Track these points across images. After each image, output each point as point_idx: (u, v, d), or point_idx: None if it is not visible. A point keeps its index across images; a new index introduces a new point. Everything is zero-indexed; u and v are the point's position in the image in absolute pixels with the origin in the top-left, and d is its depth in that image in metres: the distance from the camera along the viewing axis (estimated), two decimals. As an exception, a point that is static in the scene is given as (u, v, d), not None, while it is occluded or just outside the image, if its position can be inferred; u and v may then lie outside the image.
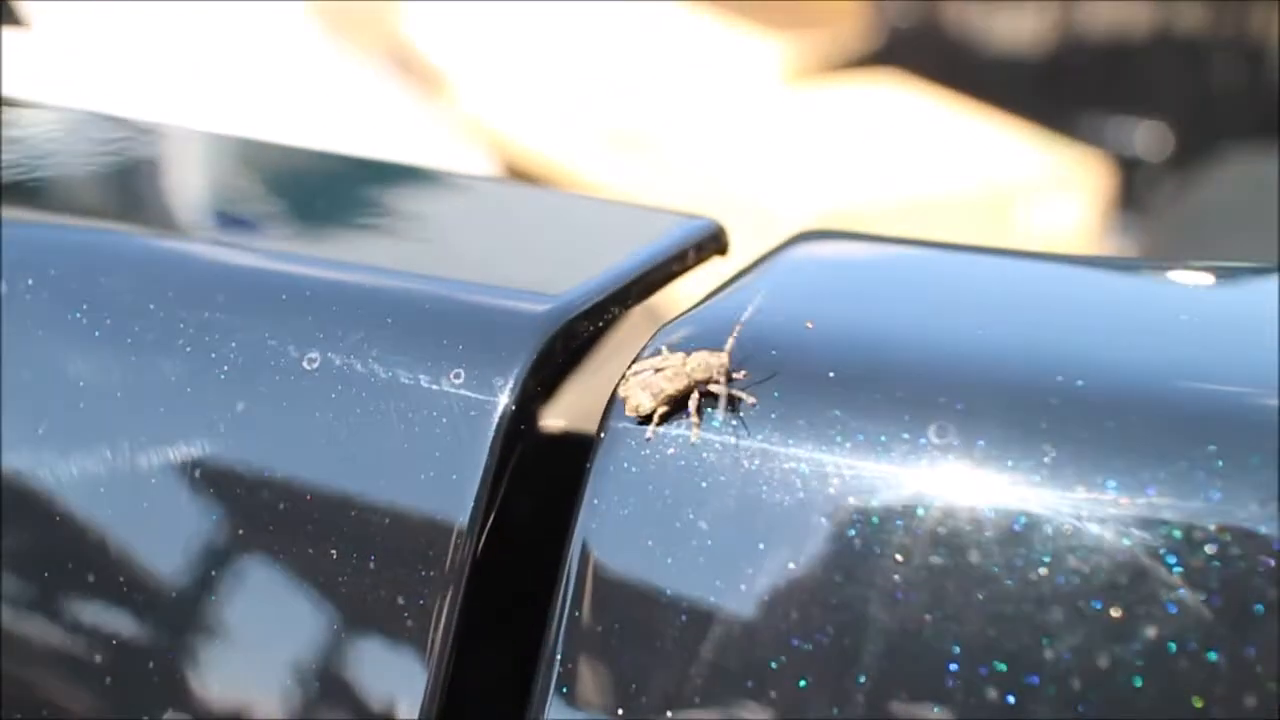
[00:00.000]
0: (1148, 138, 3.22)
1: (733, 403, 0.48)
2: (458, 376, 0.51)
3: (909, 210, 2.47)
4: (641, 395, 0.50)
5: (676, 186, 2.63)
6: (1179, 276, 0.59)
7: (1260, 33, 3.25)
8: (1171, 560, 0.43)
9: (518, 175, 3.00)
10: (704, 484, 0.48)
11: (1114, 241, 2.81)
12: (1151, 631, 0.43)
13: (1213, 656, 0.43)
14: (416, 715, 0.51)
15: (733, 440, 0.48)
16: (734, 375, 0.49)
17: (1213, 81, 3.28)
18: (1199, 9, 3.27)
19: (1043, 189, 2.67)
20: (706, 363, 0.50)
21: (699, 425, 0.49)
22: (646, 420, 0.49)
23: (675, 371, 0.50)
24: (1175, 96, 3.26)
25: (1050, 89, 3.30)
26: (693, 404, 0.49)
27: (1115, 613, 0.43)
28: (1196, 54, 3.29)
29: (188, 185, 0.70)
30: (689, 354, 0.51)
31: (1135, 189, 3.04)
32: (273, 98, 2.71)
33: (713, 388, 0.49)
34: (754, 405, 0.48)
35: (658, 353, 0.51)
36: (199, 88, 2.62)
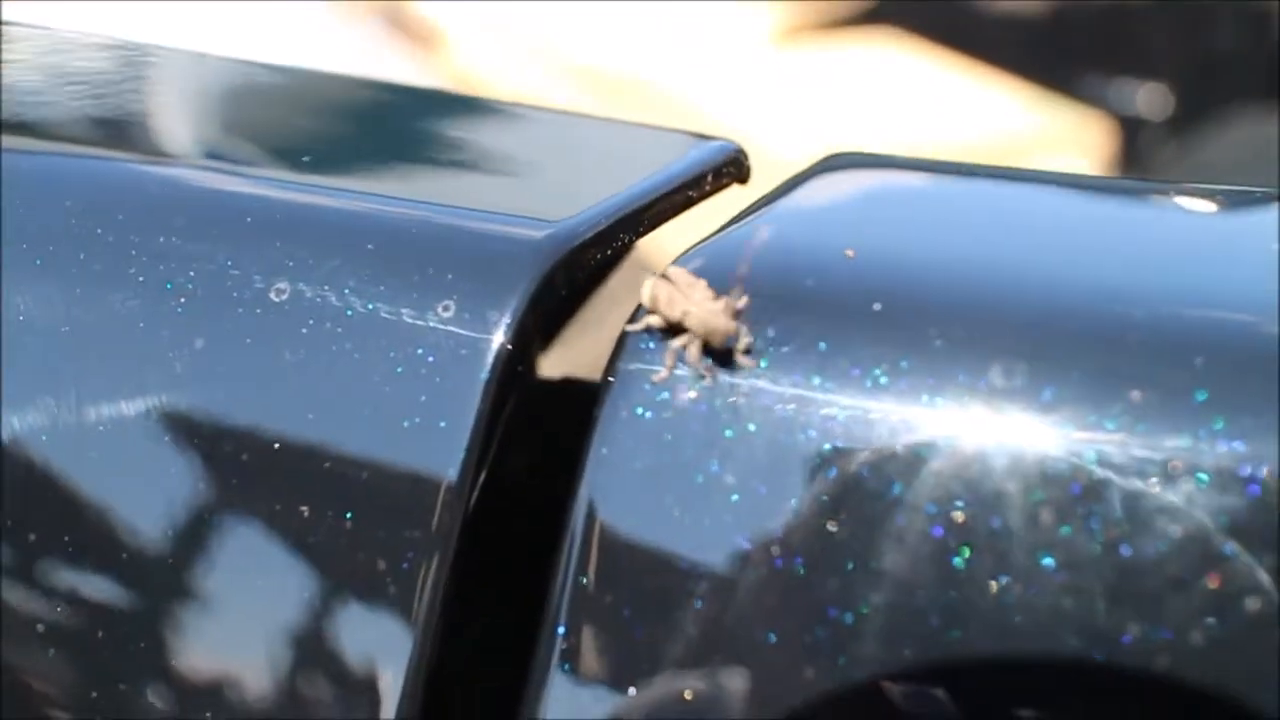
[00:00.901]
0: (1149, 98, 3.17)
1: (717, 357, 0.42)
2: (446, 309, 0.44)
3: (907, 170, 2.41)
4: (665, 300, 0.43)
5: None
6: (1249, 203, 0.53)
7: (1264, -8, 3.20)
8: (1271, 523, 0.38)
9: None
10: (729, 432, 0.41)
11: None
12: (1252, 605, 0.37)
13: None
14: (400, 687, 0.44)
15: (764, 384, 0.42)
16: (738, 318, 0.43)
17: (1214, 43, 3.24)
18: (1202, -32, 3.22)
19: (1043, 149, 2.64)
20: (708, 325, 0.43)
21: (704, 371, 0.42)
22: (660, 331, 0.43)
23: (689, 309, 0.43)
24: (1177, 57, 3.22)
25: (1050, 48, 3.25)
26: (694, 349, 0.43)
27: (1209, 584, 0.38)
28: (1198, 15, 3.24)
29: (150, 102, 0.63)
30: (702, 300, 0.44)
31: (1136, 150, 2.99)
32: (264, 54, 2.65)
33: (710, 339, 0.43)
34: (750, 366, 0.42)
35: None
36: (186, 40, 2.56)
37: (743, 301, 0.43)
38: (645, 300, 0.45)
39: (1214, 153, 2.82)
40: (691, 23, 3.08)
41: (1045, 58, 3.17)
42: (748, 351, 0.43)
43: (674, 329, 0.44)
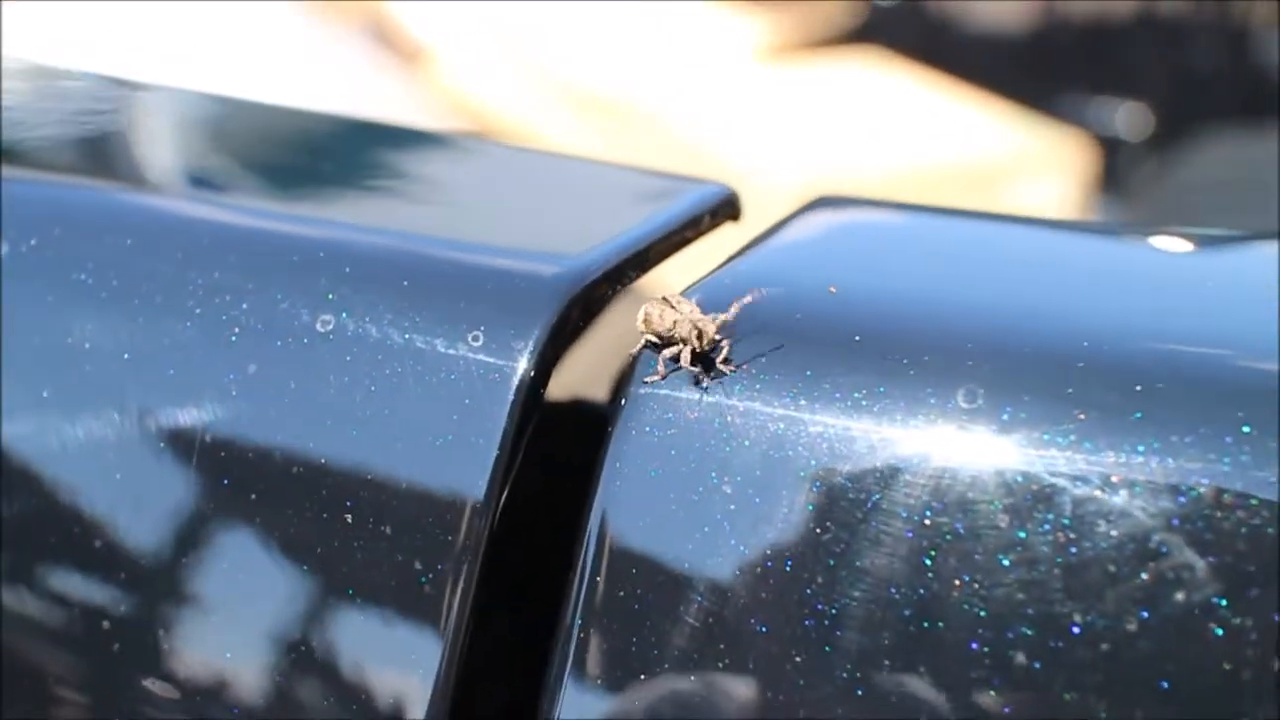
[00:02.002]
0: (1129, 118, 3.22)
1: (704, 364, 0.48)
2: (476, 339, 0.50)
3: (888, 189, 2.46)
4: (657, 317, 0.49)
5: (658, 160, 2.61)
6: (1191, 244, 0.59)
7: (1242, 14, 3.25)
8: (1199, 526, 0.43)
9: (499, 150, 2.98)
10: (729, 449, 0.47)
11: (1095, 220, 2.81)
12: (1180, 596, 0.43)
13: (1239, 621, 0.42)
14: (431, 685, 0.50)
15: (758, 405, 0.47)
16: (718, 340, 0.49)
17: (1194, 62, 3.29)
18: (1180, -10, 3.27)
19: (1024, 169, 2.67)
20: (697, 329, 0.49)
21: (697, 374, 0.48)
22: (657, 343, 0.49)
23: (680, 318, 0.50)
24: (1156, 77, 3.26)
25: (1032, 68, 3.30)
26: (685, 355, 0.49)
27: (1145, 578, 0.43)
28: (1178, 35, 3.29)
29: (194, 147, 0.69)
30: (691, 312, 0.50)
31: (1116, 169, 3.04)
32: (251, 72, 2.70)
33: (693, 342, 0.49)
34: (730, 371, 0.48)
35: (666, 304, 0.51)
36: (176, 60, 2.60)
37: (731, 313, 0.49)
38: (639, 323, 0.51)
39: (1193, 172, 2.87)
40: (676, 41, 3.12)
41: (1027, 78, 3.22)
42: (727, 360, 0.48)
43: (666, 341, 0.50)
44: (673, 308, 0.51)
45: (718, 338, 0.49)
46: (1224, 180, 2.74)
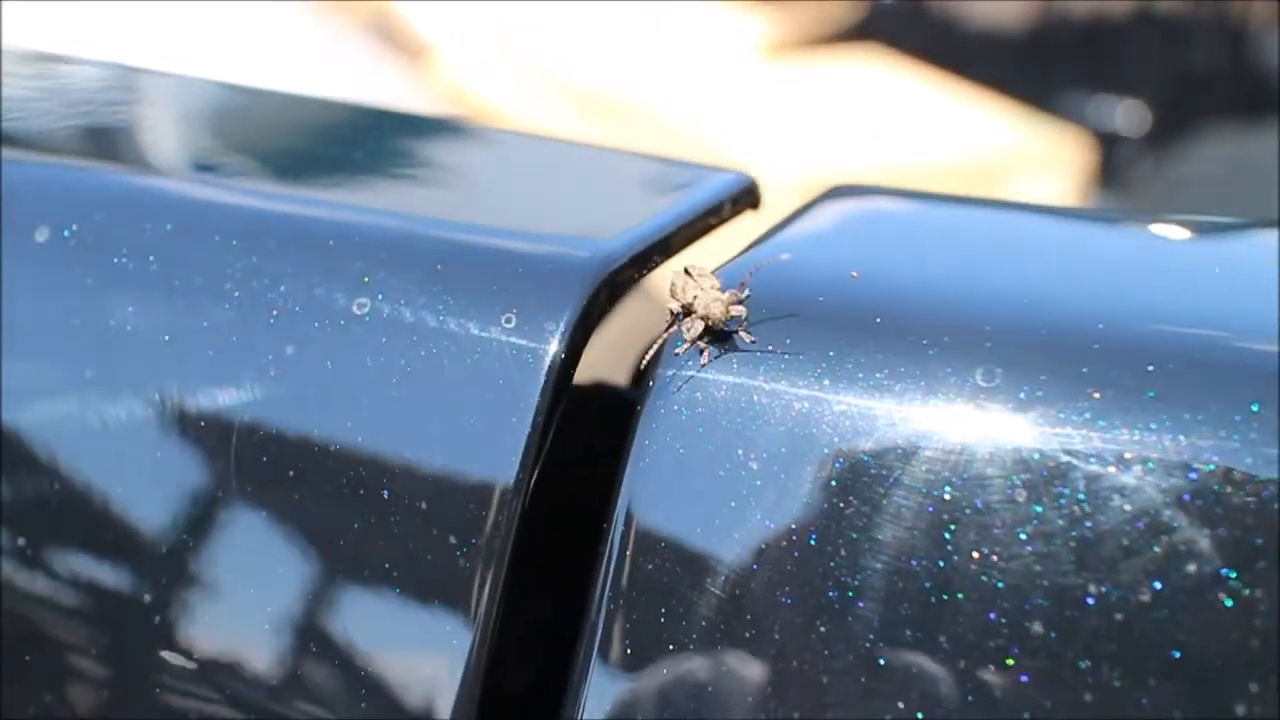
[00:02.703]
0: (1128, 115, 3.23)
1: (716, 337, 0.50)
2: (509, 321, 0.52)
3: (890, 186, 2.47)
4: (680, 288, 0.51)
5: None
6: (1199, 231, 0.60)
7: (1239, 12, 3.26)
8: (1209, 501, 0.45)
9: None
10: (754, 427, 0.49)
11: (1094, 218, 2.82)
12: (1191, 568, 0.44)
13: (1247, 593, 0.44)
14: (464, 663, 0.51)
15: (783, 386, 0.49)
16: (733, 315, 0.50)
17: (1192, 60, 3.30)
18: (1179, -12, 3.29)
19: (1023, 165, 2.69)
20: (708, 309, 0.51)
21: (701, 346, 0.50)
22: (681, 314, 0.51)
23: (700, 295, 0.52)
24: (1155, 75, 3.28)
25: (1031, 65, 3.31)
26: (696, 327, 0.50)
27: (1157, 550, 0.45)
28: (1176, 33, 3.31)
29: (229, 136, 0.70)
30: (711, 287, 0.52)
31: (1115, 166, 3.05)
32: (256, 69, 2.71)
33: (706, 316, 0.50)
34: (750, 342, 0.50)
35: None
36: (184, 58, 2.62)
37: (744, 294, 0.51)
38: (667, 289, 0.52)
39: (1191, 169, 2.88)
40: (678, 37, 3.13)
41: (1026, 75, 3.23)
42: (738, 334, 0.50)
43: (686, 310, 0.51)
44: (694, 280, 0.52)
45: (734, 313, 0.51)
46: (1221, 177, 2.75)
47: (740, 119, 2.72)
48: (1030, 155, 2.71)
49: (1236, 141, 2.84)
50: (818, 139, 2.64)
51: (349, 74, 2.96)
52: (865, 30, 3.31)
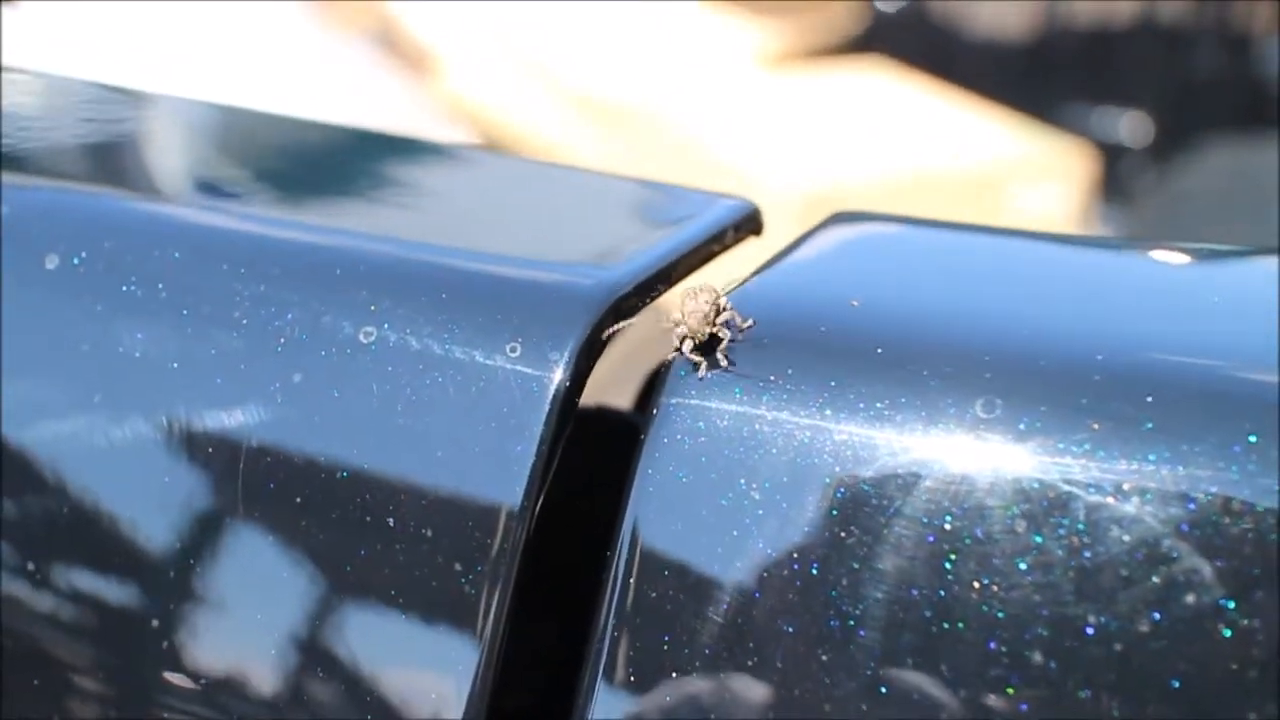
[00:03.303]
0: (1130, 126, 3.24)
1: (706, 351, 0.51)
2: (514, 350, 0.52)
3: (891, 197, 2.48)
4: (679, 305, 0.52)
5: (661, 166, 2.64)
6: (1199, 259, 0.61)
7: (1242, 23, 3.27)
8: (1207, 531, 0.45)
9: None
10: (757, 456, 0.49)
11: (1096, 228, 2.83)
12: (1189, 599, 0.45)
13: (1246, 623, 0.44)
14: (469, 688, 0.52)
15: (785, 415, 0.49)
16: (716, 336, 0.51)
17: (1194, 71, 3.31)
18: (1181, 0, 3.29)
19: (1025, 176, 2.69)
20: (690, 328, 0.52)
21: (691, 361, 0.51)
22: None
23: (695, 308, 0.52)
24: (1157, 85, 3.28)
25: (1034, 77, 3.32)
26: (687, 345, 0.51)
27: (1156, 581, 0.45)
28: (1179, 43, 3.31)
29: (236, 162, 0.71)
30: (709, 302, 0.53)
31: (1117, 176, 3.06)
32: (259, 77, 2.72)
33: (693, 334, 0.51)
34: (728, 367, 0.50)
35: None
36: (185, 67, 2.62)
37: (724, 316, 0.51)
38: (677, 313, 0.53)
39: (1193, 180, 2.88)
40: (681, 47, 3.14)
41: (1028, 85, 3.24)
42: (715, 357, 0.51)
43: (676, 325, 0.52)
44: (692, 296, 0.53)
45: (717, 332, 0.51)
46: (1223, 188, 2.76)
47: (743, 128, 2.73)
48: (1032, 165, 2.71)
49: (1239, 152, 2.85)
50: (819, 148, 2.65)
51: (350, 82, 2.97)
52: (868, 40, 3.32)
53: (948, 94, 2.91)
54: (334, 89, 2.85)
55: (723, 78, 3.01)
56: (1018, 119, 2.84)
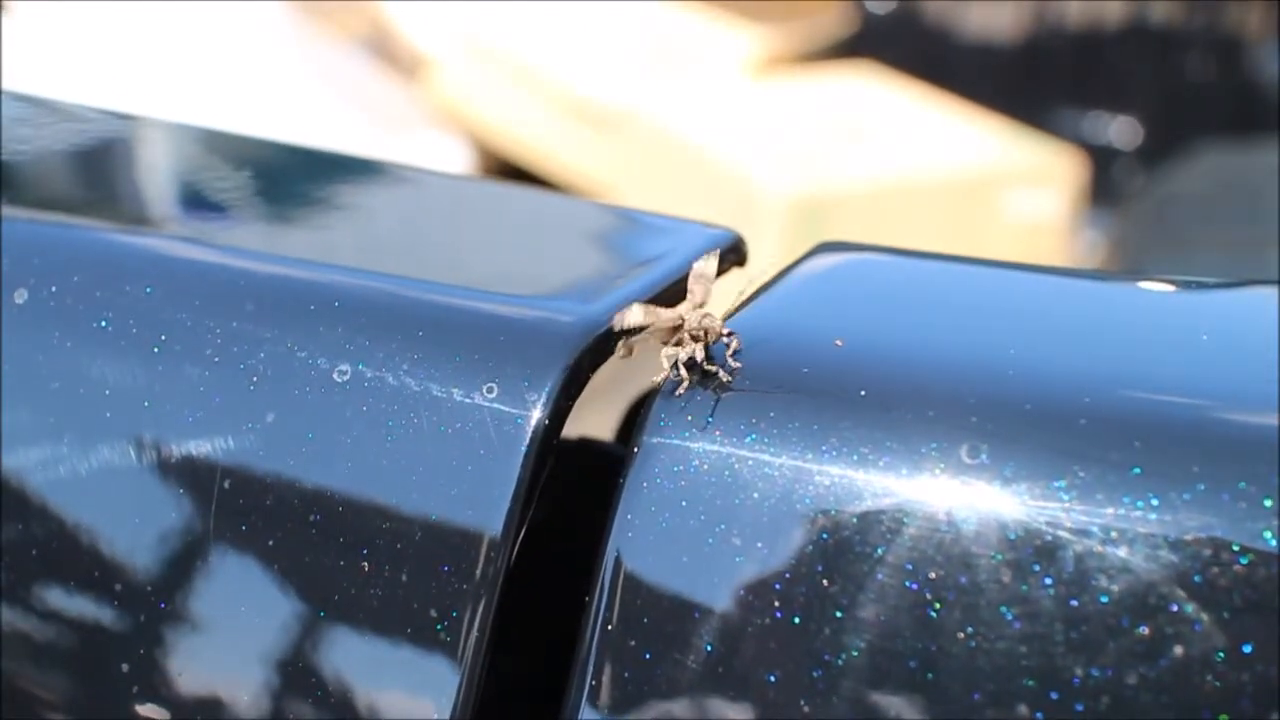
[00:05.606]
0: (1120, 130, 3.24)
1: (698, 366, 0.50)
2: (490, 390, 0.51)
3: (881, 201, 2.48)
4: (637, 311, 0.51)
5: (653, 172, 2.63)
6: (1191, 294, 0.60)
7: (1232, 27, 3.27)
8: (1196, 580, 0.44)
9: (496, 161, 3.00)
10: (737, 500, 0.48)
11: (1086, 232, 2.83)
12: (1179, 649, 0.44)
13: (1236, 675, 0.44)
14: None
15: (766, 457, 0.49)
16: (723, 337, 0.51)
17: (1185, 75, 3.31)
18: (1172, 4, 3.29)
19: (1015, 180, 2.69)
20: (701, 324, 0.51)
21: (677, 376, 0.50)
22: (628, 332, 0.51)
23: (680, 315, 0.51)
24: (1148, 90, 3.28)
25: (1024, 81, 3.32)
26: (666, 359, 0.50)
27: (1144, 631, 0.44)
28: (1169, 48, 3.31)
29: (211, 190, 0.70)
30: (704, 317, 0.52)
31: (1108, 181, 3.06)
32: (251, 84, 2.71)
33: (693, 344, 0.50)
34: (729, 379, 0.50)
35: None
36: (176, 74, 2.62)
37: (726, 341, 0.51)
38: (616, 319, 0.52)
39: (1184, 184, 2.88)
40: (672, 52, 3.13)
41: (1019, 90, 3.24)
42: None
43: (676, 329, 0.52)
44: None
45: (726, 340, 0.51)
46: (1213, 193, 2.75)
47: (733, 132, 2.72)
48: (1023, 170, 2.71)
49: (1230, 157, 2.85)
50: (809, 153, 2.64)
51: (343, 89, 2.96)
52: (857, 45, 3.32)
53: (938, 99, 2.91)
54: (327, 96, 2.84)
55: (714, 82, 3.01)
56: (1008, 123, 2.84)
